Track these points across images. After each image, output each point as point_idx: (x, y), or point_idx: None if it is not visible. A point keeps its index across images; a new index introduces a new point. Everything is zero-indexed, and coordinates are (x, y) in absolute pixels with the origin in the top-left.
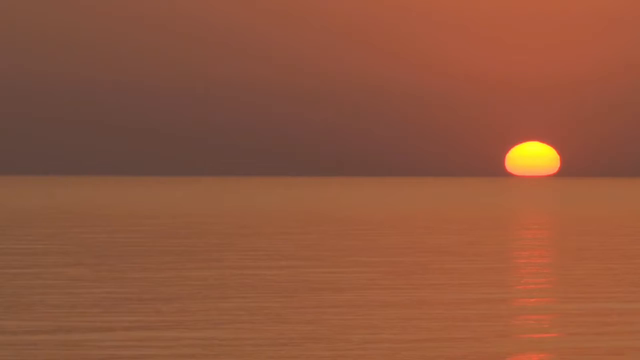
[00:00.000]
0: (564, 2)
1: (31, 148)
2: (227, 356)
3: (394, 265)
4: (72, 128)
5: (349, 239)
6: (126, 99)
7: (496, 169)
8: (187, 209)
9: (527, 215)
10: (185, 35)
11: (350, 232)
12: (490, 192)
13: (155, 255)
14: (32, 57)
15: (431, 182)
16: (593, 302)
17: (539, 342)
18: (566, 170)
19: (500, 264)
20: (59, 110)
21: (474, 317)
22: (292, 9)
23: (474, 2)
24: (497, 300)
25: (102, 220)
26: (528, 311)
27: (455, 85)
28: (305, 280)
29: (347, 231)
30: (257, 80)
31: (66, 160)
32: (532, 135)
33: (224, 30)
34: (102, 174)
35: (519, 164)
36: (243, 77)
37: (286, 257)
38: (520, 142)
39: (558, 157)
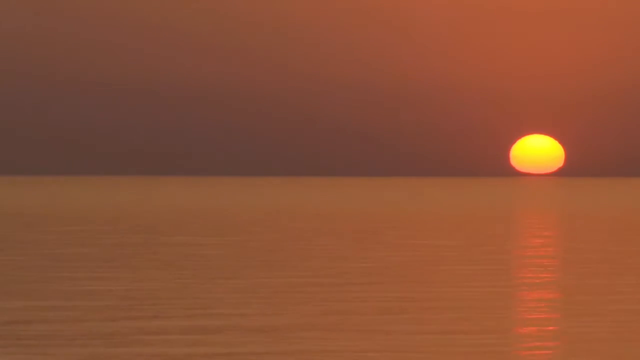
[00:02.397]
0: None
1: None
2: None
3: None
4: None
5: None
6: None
7: (501, 163)
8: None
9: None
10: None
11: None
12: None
13: None
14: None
15: (447, 183)
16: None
17: None
18: (571, 164)
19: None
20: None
21: None
22: (279, 14)
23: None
24: None
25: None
26: None
27: (458, 81)
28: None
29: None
30: (254, 84)
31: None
32: (536, 128)
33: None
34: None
35: (523, 158)
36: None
37: None
38: (524, 136)
39: (563, 150)
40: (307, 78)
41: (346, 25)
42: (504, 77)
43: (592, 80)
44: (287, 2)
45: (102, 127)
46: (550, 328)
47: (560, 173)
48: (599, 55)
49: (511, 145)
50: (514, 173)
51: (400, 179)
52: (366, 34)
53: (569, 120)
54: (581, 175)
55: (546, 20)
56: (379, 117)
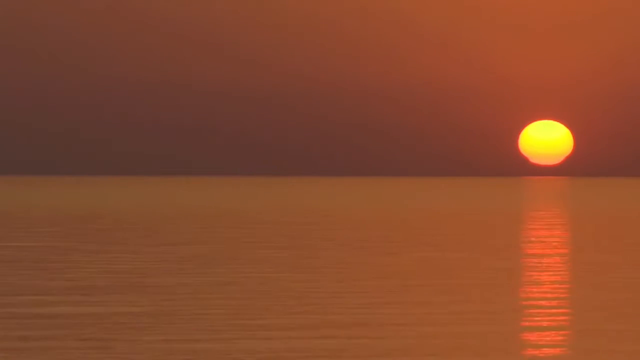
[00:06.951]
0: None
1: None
2: None
3: None
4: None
5: None
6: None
7: (510, 154)
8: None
9: None
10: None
11: None
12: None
13: None
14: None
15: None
16: None
17: None
18: (580, 152)
19: None
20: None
21: None
22: (281, 17)
23: None
24: None
25: None
26: None
27: (461, 76)
28: None
29: None
30: (256, 84)
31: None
32: (544, 114)
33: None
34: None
35: (532, 146)
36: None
37: None
38: (533, 121)
39: (571, 136)
40: (308, 78)
41: (347, 24)
42: (501, 69)
43: (594, 67)
44: (286, 3)
45: None
46: None
47: (570, 161)
48: (598, 50)
49: (518, 135)
50: (527, 165)
51: (405, 178)
52: (367, 31)
53: (575, 104)
54: (591, 160)
55: (546, 17)
56: (383, 116)
